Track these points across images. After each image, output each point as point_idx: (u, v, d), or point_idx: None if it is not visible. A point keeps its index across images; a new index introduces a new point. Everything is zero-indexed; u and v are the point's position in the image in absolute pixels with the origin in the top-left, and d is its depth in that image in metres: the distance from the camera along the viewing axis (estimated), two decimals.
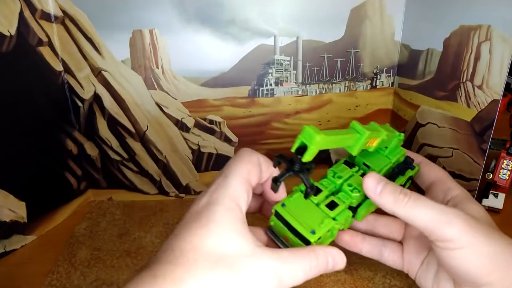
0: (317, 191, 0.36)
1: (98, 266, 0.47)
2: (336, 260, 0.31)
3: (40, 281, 0.45)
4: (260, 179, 0.34)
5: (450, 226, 0.30)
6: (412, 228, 0.40)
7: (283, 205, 0.34)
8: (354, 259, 0.46)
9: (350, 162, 0.41)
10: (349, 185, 0.37)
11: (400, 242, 0.40)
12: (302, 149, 0.30)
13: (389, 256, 0.39)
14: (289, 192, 0.37)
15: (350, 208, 0.37)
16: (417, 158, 0.42)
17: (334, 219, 0.35)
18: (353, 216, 0.37)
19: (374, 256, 0.40)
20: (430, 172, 0.40)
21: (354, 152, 0.36)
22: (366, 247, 0.39)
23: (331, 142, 0.32)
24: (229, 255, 0.26)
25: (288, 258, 0.28)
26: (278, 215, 0.34)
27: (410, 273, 0.39)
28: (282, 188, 0.36)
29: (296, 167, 0.31)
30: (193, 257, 0.26)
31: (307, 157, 0.30)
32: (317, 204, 0.35)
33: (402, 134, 0.41)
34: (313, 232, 0.32)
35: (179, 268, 0.25)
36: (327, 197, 0.36)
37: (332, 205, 0.35)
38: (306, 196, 0.35)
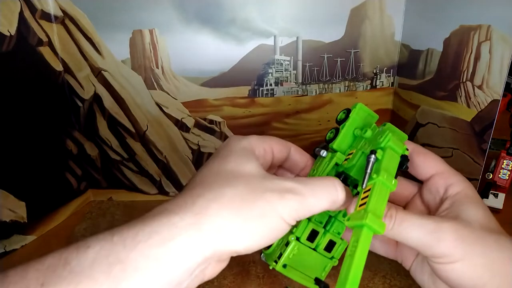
0: (313, 234, 0.34)
1: None
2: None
3: None
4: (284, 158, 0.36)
5: (441, 243, 0.29)
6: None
7: (284, 266, 0.33)
8: None
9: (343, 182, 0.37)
10: (344, 215, 0.35)
11: None
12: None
13: (381, 245, 0.37)
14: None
15: None
16: (409, 145, 0.37)
17: (332, 257, 0.35)
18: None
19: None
20: (428, 163, 0.36)
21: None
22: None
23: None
24: (246, 175, 0.28)
25: (310, 180, 0.29)
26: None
27: (404, 263, 0.37)
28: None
29: None
30: (212, 178, 0.28)
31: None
32: (315, 248, 0.34)
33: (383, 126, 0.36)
34: (317, 282, 0.35)
35: (198, 187, 0.27)
36: (323, 234, 0.35)
37: (330, 246, 0.35)
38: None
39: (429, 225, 0.30)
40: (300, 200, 0.28)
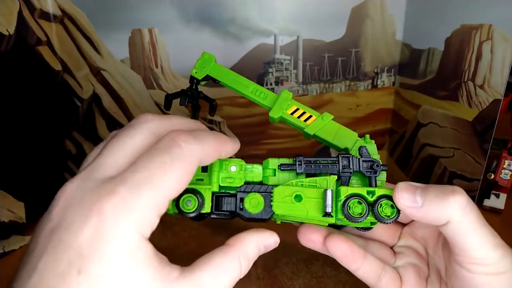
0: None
1: None
2: (268, 244, 0.26)
3: None
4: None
5: (496, 249, 0.26)
6: (409, 254, 0.33)
7: None
8: None
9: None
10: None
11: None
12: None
13: (388, 284, 0.31)
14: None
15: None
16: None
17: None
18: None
19: (370, 279, 0.31)
20: None
21: (274, 113, 0.33)
22: (365, 267, 0.30)
23: (225, 73, 0.34)
24: None
25: (210, 280, 0.22)
26: None
27: None
28: None
29: (187, 89, 0.34)
30: None
31: (195, 69, 0.35)
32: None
33: (369, 139, 0.31)
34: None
35: None
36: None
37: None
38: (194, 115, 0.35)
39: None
40: None
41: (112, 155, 0.22)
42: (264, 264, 0.46)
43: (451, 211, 0.25)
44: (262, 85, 0.56)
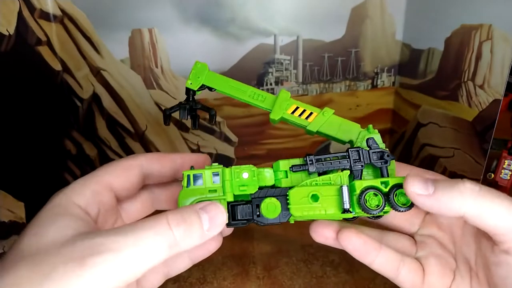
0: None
1: None
2: (213, 216, 0.25)
3: None
4: (145, 180, 0.31)
5: None
6: (432, 243, 0.32)
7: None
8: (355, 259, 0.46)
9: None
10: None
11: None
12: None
13: (408, 275, 0.30)
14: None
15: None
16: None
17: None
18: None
19: (388, 272, 0.30)
20: None
21: (275, 115, 0.33)
22: (380, 259, 0.30)
23: (220, 80, 0.33)
24: (40, 248, 0.23)
25: (128, 234, 0.22)
26: None
27: None
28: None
29: (184, 102, 0.33)
30: (12, 257, 0.23)
31: (190, 79, 0.33)
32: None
33: (373, 129, 0.32)
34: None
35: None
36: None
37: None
38: (194, 126, 0.34)
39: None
40: (114, 257, 0.21)
41: None
42: (264, 264, 0.46)
43: (464, 198, 0.25)
44: (262, 85, 0.56)
